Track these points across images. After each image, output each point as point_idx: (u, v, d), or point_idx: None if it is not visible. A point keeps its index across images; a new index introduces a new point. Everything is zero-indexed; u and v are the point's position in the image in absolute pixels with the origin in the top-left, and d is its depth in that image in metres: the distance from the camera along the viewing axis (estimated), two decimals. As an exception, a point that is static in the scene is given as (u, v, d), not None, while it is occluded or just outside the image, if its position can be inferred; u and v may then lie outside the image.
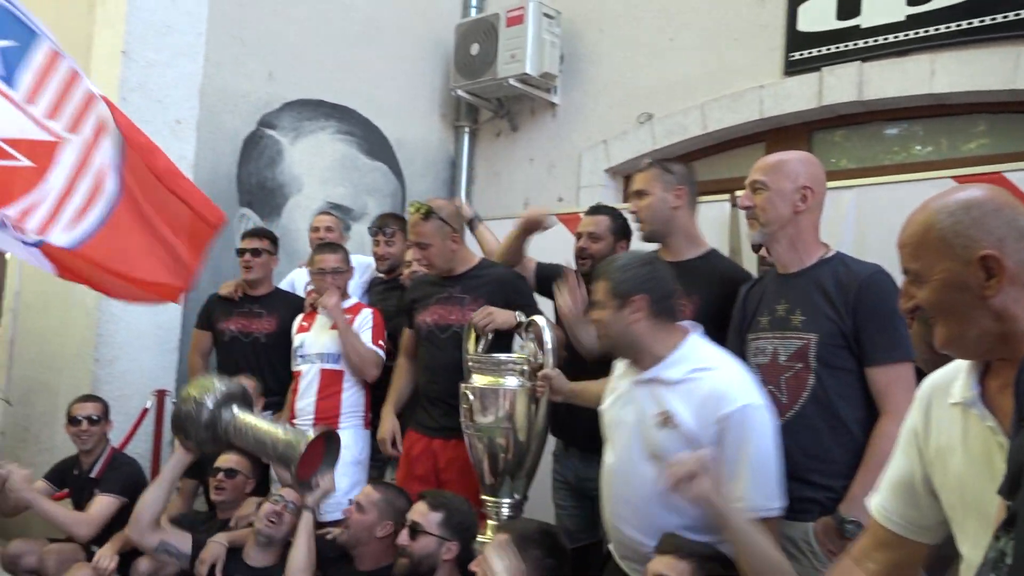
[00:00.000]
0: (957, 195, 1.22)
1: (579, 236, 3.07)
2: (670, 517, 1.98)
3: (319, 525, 2.98)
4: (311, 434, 2.74)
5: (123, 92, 4.09)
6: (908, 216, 1.26)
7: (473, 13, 5.47)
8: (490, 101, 5.35)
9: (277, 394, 3.62)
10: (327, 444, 2.78)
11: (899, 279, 2.08)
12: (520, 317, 2.86)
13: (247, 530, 3.01)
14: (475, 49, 5.10)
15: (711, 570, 1.80)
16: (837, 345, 2.09)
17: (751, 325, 2.27)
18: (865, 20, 3.94)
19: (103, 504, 3.34)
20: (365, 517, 2.68)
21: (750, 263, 2.92)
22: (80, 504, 3.44)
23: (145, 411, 4.04)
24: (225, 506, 3.25)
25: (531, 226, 2.99)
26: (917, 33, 3.77)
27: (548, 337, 2.62)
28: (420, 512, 2.50)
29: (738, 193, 3.25)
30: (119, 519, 3.35)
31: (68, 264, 3.06)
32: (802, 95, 4.14)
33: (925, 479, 1.32)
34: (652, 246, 2.63)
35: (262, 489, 3.35)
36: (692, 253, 2.57)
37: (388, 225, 3.86)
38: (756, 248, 2.75)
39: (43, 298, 4.56)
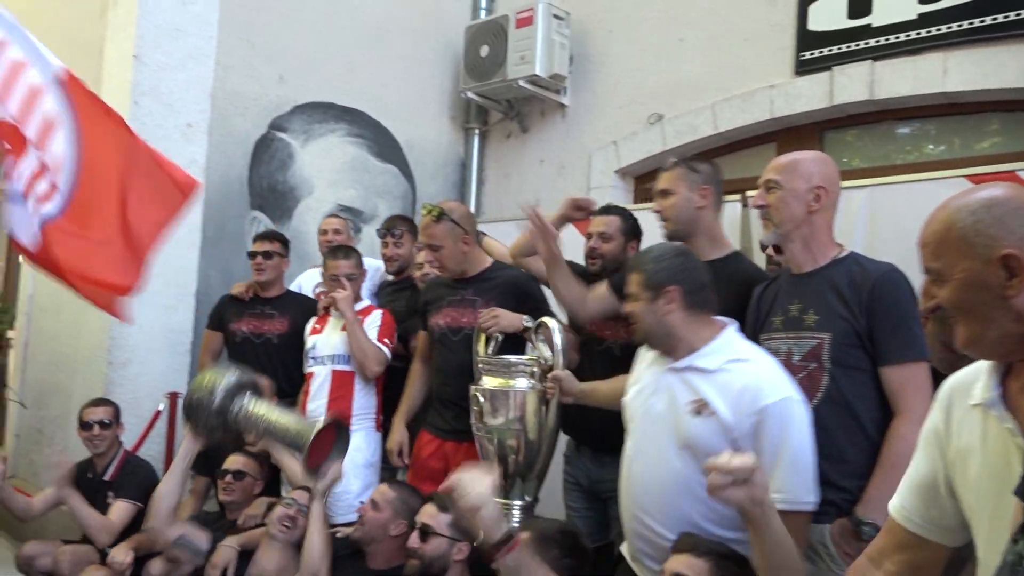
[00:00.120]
0: (979, 193, 1.20)
1: (589, 236, 3.07)
2: (695, 508, 1.97)
3: (331, 527, 2.99)
4: (320, 422, 2.73)
5: (135, 96, 4.12)
6: (929, 214, 1.25)
7: (482, 15, 5.47)
8: (500, 103, 5.35)
9: (289, 395, 3.63)
10: (337, 433, 2.77)
11: (913, 279, 2.09)
12: (527, 322, 2.86)
13: (258, 531, 3.02)
14: (485, 51, 5.10)
15: (728, 569, 1.79)
16: (851, 345, 2.07)
17: (764, 325, 2.26)
18: (876, 19, 3.91)
19: (121, 511, 3.37)
20: (380, 515, 2.68)
21: (760, 263, 2.91)
22: (94, 507, 3.45)
23: (158, 413, 4.06)
24: (234, 507, 3.27)
25: (582, 207, 2.90)
26: (929, 32, 3.75)
27: (558, 339, 2.62)
28: (429, 514, 2.50)
29: (749, 193, 3.26)
30: (135, 523, 3.38)
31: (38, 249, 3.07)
32: (813, 95, 4.12)
33: (947, 480, 1.31)
34: None
35: (271, 490, 3.37)
36: (715, 254, 2.55)
37: (396, 227, 3.87)
38: (764, 247, 2.74)
39: (56, 301, 4.60)
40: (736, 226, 3.28)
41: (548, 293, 3.05)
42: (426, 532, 2.47)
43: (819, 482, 1.97)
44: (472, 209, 5.48)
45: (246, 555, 2.95)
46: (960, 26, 3.65)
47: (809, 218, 2.18)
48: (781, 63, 4.24)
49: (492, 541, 1.91)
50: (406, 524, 2.65)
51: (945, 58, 3.71)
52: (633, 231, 3.06)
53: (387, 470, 3.55)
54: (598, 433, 2.74)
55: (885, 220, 3.04)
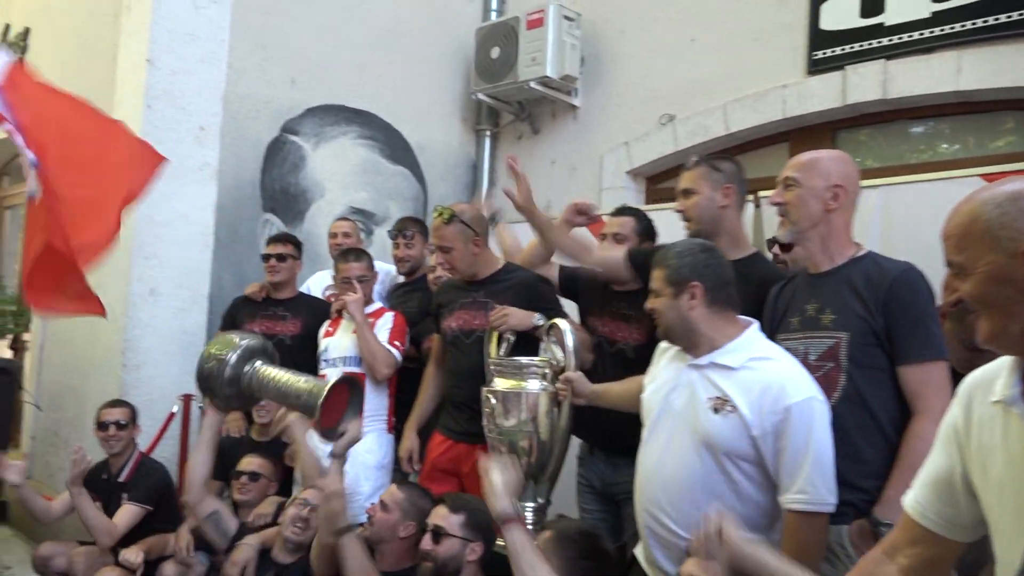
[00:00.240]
0: (1005, 186, 1.18)
1: (603, 237, 3.06)
2: (712, 507, 1.96)
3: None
4: (331, 380, 2.70)
5: (148, 100, 4.15)
6: (953, 207, 1.23)
7: (493, 17, 5.48)
8: (511, 104, 5.35)
9: (302, 397, 3.65)
10: (351, 392, 2.74)
11: (928, 278, 2.08)
12: (538, 320, 2.86)
13: (275, 530, 3.03)
14: (495, 52, 5.10)
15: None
16: (869, 344, 2.06)
17: (781, 325, 2.24)
18: (889, 17, 3.89)
19: (127, 513, 3.39)
20: (388, 516, 2.68)
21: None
22: (109, 507, 3.49)
23: (171, 415, 4.08)
24: (249, 507, 3.29)
25: (583, 212, 2.91)
26: (943, 30, 3.72)
27: (570, 340, 2.62)
28: (441, 515, 2.50)
29: (762, 194, 3.25)
30: (147, 527, 3.40)
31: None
32: (826, 94, 4.10)
33: (964, 477, 1.29)
34: None
35: (285, 490, 3.38)
36: (737, 254, 2.51)
37: (408, 228, 3.88)
38: (770, 245, 2.73)
39: (71, 304, 4.62)
40: (748, 226, 3.27)
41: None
42: (438, 533, 2.46)
43: (837, 482, 1.96)
44: (483, 211, 5.48)
45: (262, 552, 2.97)
46: (974, 24, 3.63)
47: (827, 217, 2.16)
48: (793, 63, 4.23)
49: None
50: (415, 525, 2.65)
51: (959, 56, 3.69)
52: (647, 231, 3.05)
53: (398, 472, 3.56)
54: (611, 435, 2.73)
55: (899, 220, 3.02)
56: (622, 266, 2.71)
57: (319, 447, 2.94)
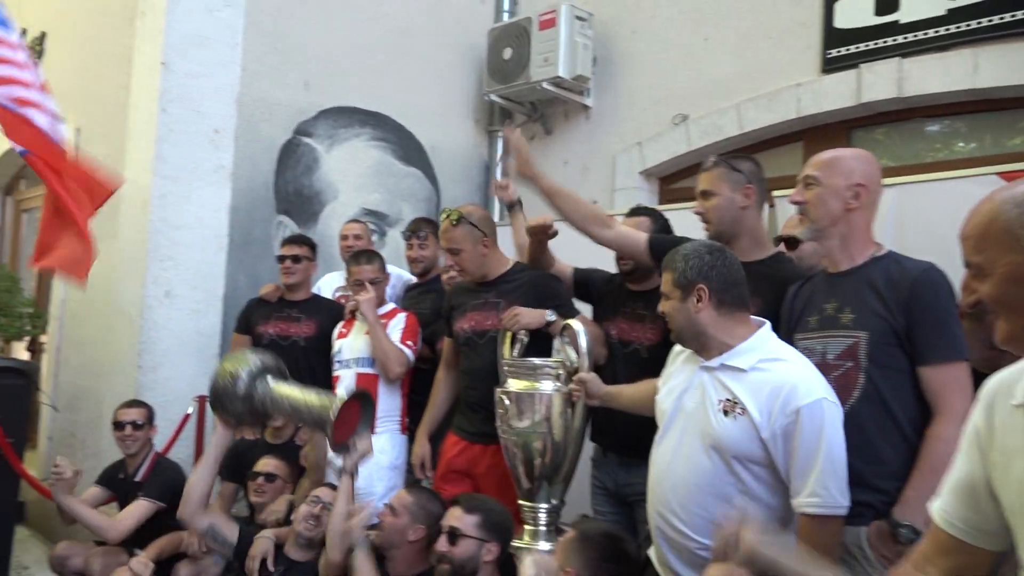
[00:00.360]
0: None
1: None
2: (721, 509, 1.94)
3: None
4: (343, 395, 2.72)
5: (163, 103, 4.18)
6: (972, 207, 1.22)
7: (505, 17, 5.48)
8: (523, 105, 5.35)
9: (316, 398, 3.66)
10: (363, 406, 2.76)
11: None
12: (550, 316, 2.86)
13: (288, 528, 3.04)
14: (508, 53, 5.10)
15: None
16: (889, 344, 2.04)
17: (799, 325, 2.22)
18: (904, 15, 3.86)
19: (136, 508, 3.40)
20: (397, 520, 2.68)
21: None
22: (125, 507, 3.50)
23: (187, 416, 4.10)
24: (265, 509, 3.29)
25: (537, 233, 2.91)
26: (959, 27, 3.69)
27: (583, 341, 2.61)
28: (456, 516, 2.50)
29: (776, 193, 3.23)
30: (159, 526, 3.41)
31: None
32: (840, 93, 4.07)
33: (987, 482, 1.27)
34: None
35: (301, 493, 3.39)
36: (758, 255, 2.49)
37: (421, 229, 3.89)
38: (776, 243, 2.70)
39: (87, 306, 4.66)
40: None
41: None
42: (454, 535, 2.46)
43: (854, 484, 1.94)
44: (496, 211, 5.49)
45: (277, 548, 2.97)
46: (990, 21, 3.60)
47: (847, 216, 2.14)
48: (807, 61, 4.20)
49: None
50: (424, 529, 2.65)
51: (975, 54, 3.66)
52: (663, 231, 3.03)
53: (411, 474, 3.56)
54: (624, 437, 2.73)
55: (915, 219, 2.99)
56: (643, 250, 2.66)
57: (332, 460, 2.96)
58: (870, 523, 2.01)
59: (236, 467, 3.53)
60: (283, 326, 3.87)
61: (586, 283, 3.07)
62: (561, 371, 2.64)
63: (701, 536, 1.98)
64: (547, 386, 2.61)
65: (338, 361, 3.55)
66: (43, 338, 5.57)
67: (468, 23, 5.46)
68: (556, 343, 2.83)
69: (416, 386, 3.51)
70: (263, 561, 2.90)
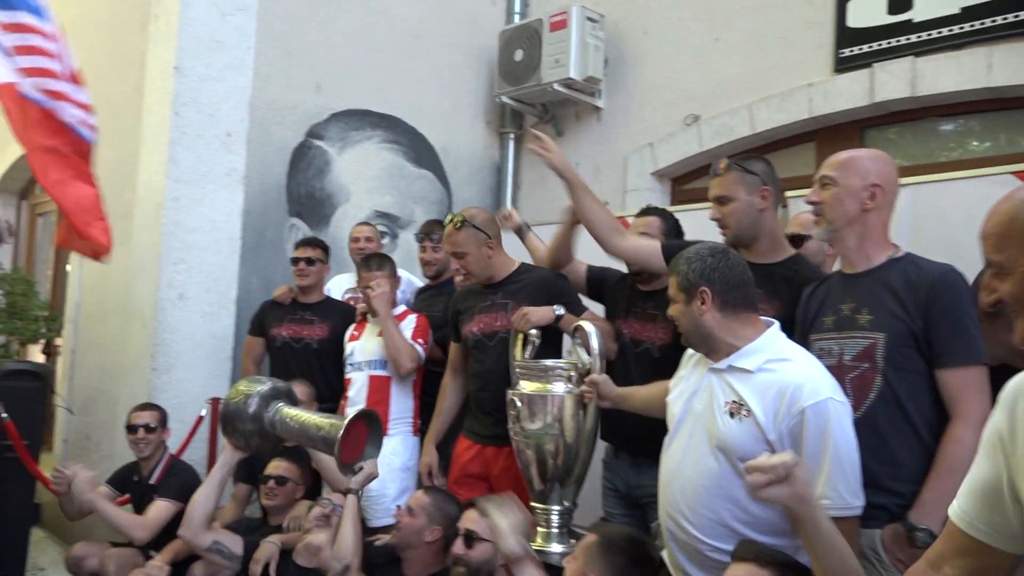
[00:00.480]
0: None
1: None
2: (729, 510, 1.95)
3: (368, 531, 3.00)
4: (349, 416, 2.74)
5: (175, 107, 4.20)
6: (992, 206, 1.21)
7: (516, 19, 5.48)
8: (535, 106, 5.35)
9: (329, 400, 3.67)
10: (370, 428, 2.79)
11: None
12: (559, 310, 2.86)
13: (299, 533, 3.05)
14: (519, 55, 5.10)
15: None
16: (906, 346, 2.02)
17: (814, 326, 2.21)
18: (917, 14, 3.84)
19: (160, 509, 3.41)
20: (414, 521, 2.69)
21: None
22: (140, 509, 3.52)
23: (200, 418, 4.12)
24: (276, 511, 3.31)
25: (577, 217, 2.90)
26: (972, 26, 3.66)
27: (595, 342, 2.61)
28: (473, 519, 2.49)
29: (788, 194, 3.21)
30: (172, 529, 3.42)
31: None
32: (853, 92, 4.05)
33: (1010, 484, 1.26)
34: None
35: (313, 494, 3.40)
36: (777, 256, 2.48)
37: (434, 231, 3.89)
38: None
39: (102, 309, 4.70)
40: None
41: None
42: (471, 538, 2.46)
43: (870, 486, 1.93)
44: (508, 213, 5.48)
45: (286, 553, 2.99)
46: (1004, 19, 3.57)
47: (863, 216, 2.13)
48: (819, 61, 4.18)
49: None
50: (440, 530, 2.65)
51: (990, 52, 3.63)
52: (674, 231, 3.02)
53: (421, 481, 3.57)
54: (635, 438, 2.72)
55: (929, 219, 2.97)
56: (658, 257, 2.64)
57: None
58: (885, 526, 1.99)
59: (250, 469, 3.54)
60: (296, 328, 3.89)
61: (600, 281, 3.07)
62: (573, 373, 2.63)
63: (710, 538, 1.97)
64: (559, 388, 2.61)
65: (350, 364, 3.57)
66: (58, 341, 5.61)
67: (479, 25, 5.47)
68: (572, 341, 2.84)
69: (428, 388, 3.52)
70: (266, 566, 2.92)
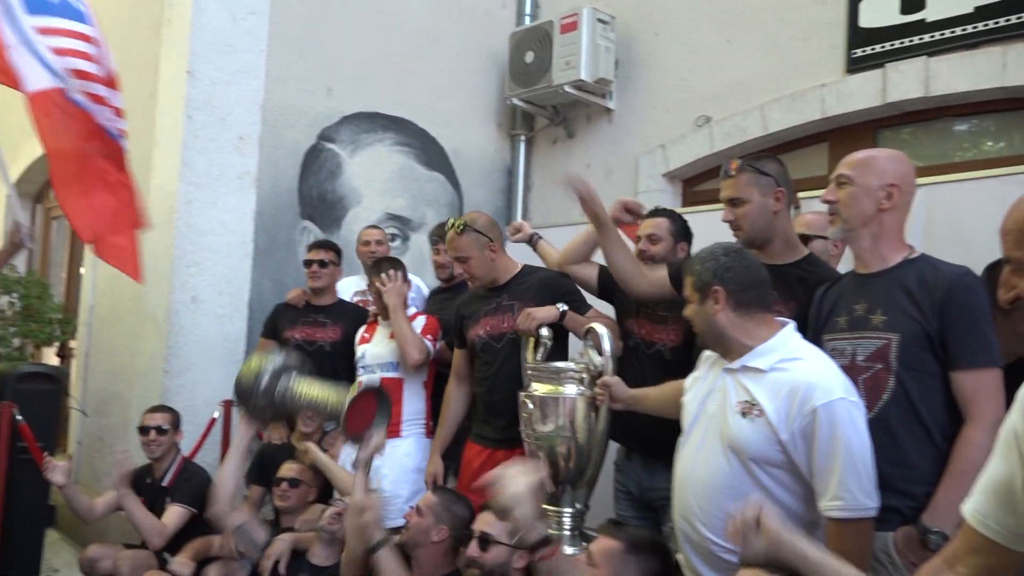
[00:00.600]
0: None
1: (638, 239, 3.04)
2: (749, 496, 1.93)
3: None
4: (355, 389, 2.78)
5: (188, 111, 4.22)
6: (1012, 203, 1.20)
7: (527, 21, 5.48)
8: (545, 108, 5.35)
9: (341, 403, 3.68)
10: (378, 401, 2.82)
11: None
12: (562, 307, 2.88)
13: (311, 534, 3.07)
14: (530, 57, 5.10)
15: None
16: (921, 347, 2.00)
17: (827, 326, 2.20)
18: (931, 13, 3.82)
19: (174, 515, 3.43)
20: (422, 520, 2.68)
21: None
22: (152, 511, 3.53)
23: (213, 421, 4.14)
24: (289, 513, 3.32)
25: (633, 210, 2.85)
26: (986, 25, 3.64)
27: (607, 344, 2.60)
28: (488, 522, 2.48)
29: (800, 195, 3.20)
30: (191, 529, 3.44)
31: None
32: (866, 93, 4.03)
33: None
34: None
35: (325, 497, 3.40)
36: (790, 257, 2.46)
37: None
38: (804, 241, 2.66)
39: (115, 312, 4.72)
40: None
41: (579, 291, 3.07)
42: (486, 540, 2.45)
43: (882, 487, 1.91)
44: (519, 215, 5.49)
45: (298, 554, 3.01)
46: (1019, 18, 3.55)
47: (879, 216, 2.11)
48: (832, 61, 4.17)
49: (527, 543, 1.88)
50: (447, 530, 2.65)
51: (1004, 52, 3.61)
52: (682, 232, 3.02)
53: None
54: (648, 440, 2.71)
55: (943, 220, 2.95)
56: (668, 284, 2.65)
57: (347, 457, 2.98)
58: (897, 528, 1.98)
59: (263, 471, 3.56)
60: (309, 331, 3.90)
61: (611, 282, 3.07)
62: (585, 375, 2.63)
63: (722, 539, 1.96)
64: (571, 390, 2.61)
65: (362, 367, 3.57)
66: (72, 343, 5.66)
67: (490, 27, 5.47)
68: (568, 328, 2.85)
69: (440, 389, 3.52)
70: (276, 564, 2.93)
